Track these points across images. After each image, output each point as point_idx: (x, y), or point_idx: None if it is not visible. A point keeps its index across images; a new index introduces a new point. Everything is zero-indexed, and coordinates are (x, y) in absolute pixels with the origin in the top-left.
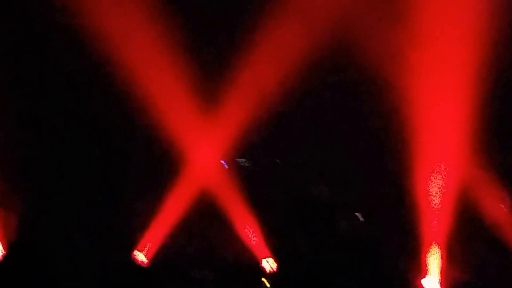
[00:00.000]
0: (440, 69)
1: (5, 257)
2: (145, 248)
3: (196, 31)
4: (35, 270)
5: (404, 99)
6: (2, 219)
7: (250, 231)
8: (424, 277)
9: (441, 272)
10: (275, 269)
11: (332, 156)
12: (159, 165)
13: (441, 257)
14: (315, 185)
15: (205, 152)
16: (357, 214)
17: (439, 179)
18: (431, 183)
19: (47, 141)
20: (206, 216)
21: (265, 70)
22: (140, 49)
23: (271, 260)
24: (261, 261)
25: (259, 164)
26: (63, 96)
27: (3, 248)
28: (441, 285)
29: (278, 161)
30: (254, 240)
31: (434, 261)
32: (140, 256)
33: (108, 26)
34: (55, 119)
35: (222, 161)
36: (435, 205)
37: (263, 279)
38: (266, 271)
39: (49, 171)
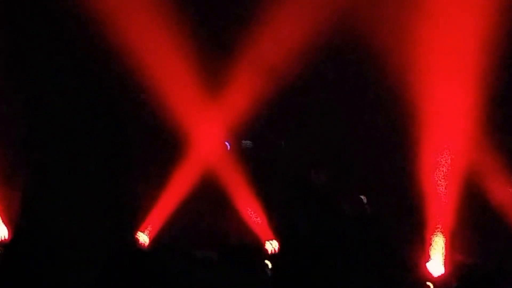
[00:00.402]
0: (445, 58)
1: (10, 239)
2: (147, 229)
3: (199, 13)
4: (39, 251)
5: (409, 86)
6: (6, 198)
7: (253, 213)
8: (429, 260)
9: (445, 255)
10: (277, 251)
11: (336, 140)
12: (163, 147)
13: (445, 241)
14: (316, 171)
15: (209, 133)
16: (361, 196)
17: (444, 164)
18: (436, 168)
19: (51, 121)
20: (209, 197)
21: (269, 52)
22: (144, 34)
23: (274, 242)
24: (265, 243)
25: (262, 146)
26: (68, 79)
27: (7, 227)
28: (445, 268)
29: (282, 143)
30: (257, 222)
31: (438, 244)
32: (142, 237)
33: (114, 15)
34: (60, 101)
35: (226, 143)
36: (440, 189)
37: (266, 261)
38: (269, 253)
39: (53, 152)
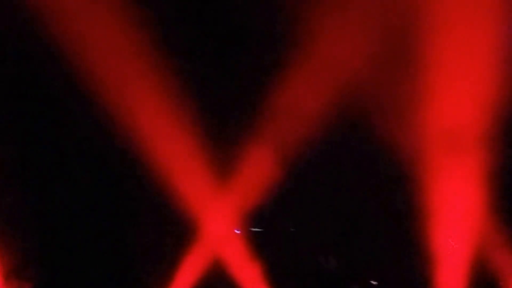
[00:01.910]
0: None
1: None
2: None
3: (208, 103)
4: None
5: (416, 163)
6: None
7: None
8: None
9: None
10: None
11: (345, 224)
12: (171, 235)
13: None
14: (325, 257)
15: (219, 220)
16: (372, 282)
17: (453, 243)
18: (445, 247)
19: (57, 210)
20: (219, 286)
21: (277, 140)
22: (155, 118)
23: None
24: None
25: (272, 233)
26: (76, 164)
27: None
28: None
29: (292, 229)
30: None
31: None
32: None
33: (121, 97)
34: (67, 190)
35: (236, 231)
36: (449, 269)
37: None
38: None
39: (64, 243)
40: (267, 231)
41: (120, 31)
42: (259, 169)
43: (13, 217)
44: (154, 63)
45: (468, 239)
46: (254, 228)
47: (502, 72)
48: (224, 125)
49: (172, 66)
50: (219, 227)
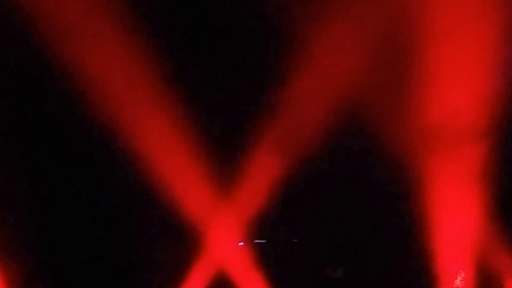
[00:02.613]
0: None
1: None
2: None
3: (212, 116)
4: None
5: (420, 175)
6: None
7: None
8: None
9: None
10: None
11: (349, 233)
12: (176, 248)
13: None
14: (331, 266)
15: (223, 233)
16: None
17: (455, 252)
18: (447, 257)
19: (67, 228)
20: None
21: (281, 149)
22: (157, 133)
23: None
24: None
25: (277, 244)
26: (81, 179)
27: None
28: None
29: (296, 240)
30: None
31: None
32: None
33: (128, 105)
34: (73, 205)
35: (240, 243)
36: (453, 274)
37: None
38: None
39: (69, 258)
40: (270, 242)
41: (118, 31)
42: (262, 179)
43: (17, 232)
44: (154, 68)
45: (469, 240)
46: (258, 239)
47: (497, 75)
48: (227, 132)
49: (172, 70)
50: (223, 239)
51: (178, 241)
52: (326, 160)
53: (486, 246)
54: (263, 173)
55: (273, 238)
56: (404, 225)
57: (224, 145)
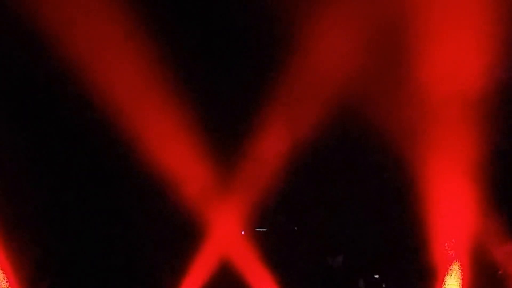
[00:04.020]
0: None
1: None
2: None
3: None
4: None
5: (418, 168)
6: None
7: None
8: None
9: None
10: None
11: (349, 222)
12: (178, 237)
13: None
14: (331, 254)
15: (225, 222)
16: (376, 276)
17: (452, 235)
18: (445, 241)
19: (75, 226)
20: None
21: (281, 139)
22: (158, 123)
23: None
24: None
25: (278, 232)
26: (83, 172)
27: None
28: None
29: (296, 228)
30: None
31: None
32: None
33: (129, 100)
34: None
35: (242, 232)
36: (449, 261)
37: None
38: None
39: (77, 255)
40: (271, 230)
41: (120, 29)
42: (264, 168)
43: (24, 231)
44: (156, 64)
45: (467, 234)
46: (259, 228)
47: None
48: (228, 122)
49: (174, 66)
50: (225, 228)
51: (180, 230)
52: (327, 149)
53: (484, 239)
54: (264, 162)
55: (274, 226)
56: (404, 213)
57: (225, 135)
